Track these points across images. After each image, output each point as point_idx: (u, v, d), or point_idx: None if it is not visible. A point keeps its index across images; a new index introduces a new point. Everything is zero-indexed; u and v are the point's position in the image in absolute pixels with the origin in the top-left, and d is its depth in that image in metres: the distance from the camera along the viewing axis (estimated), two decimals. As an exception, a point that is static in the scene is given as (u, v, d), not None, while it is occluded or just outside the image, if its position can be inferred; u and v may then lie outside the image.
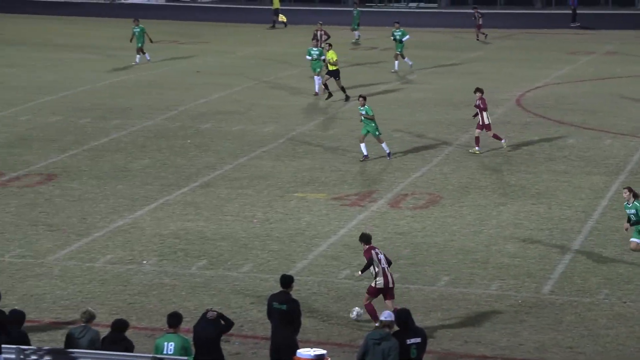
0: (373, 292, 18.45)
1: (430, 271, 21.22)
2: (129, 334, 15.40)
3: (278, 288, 16.52)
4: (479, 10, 55.71)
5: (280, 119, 34.83)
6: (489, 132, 30.15)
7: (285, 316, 16.09)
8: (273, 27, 60.12)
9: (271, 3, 61.99)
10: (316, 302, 19.57)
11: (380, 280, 18.32)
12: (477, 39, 55.03)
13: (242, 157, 29.90)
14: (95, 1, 76.73)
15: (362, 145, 29.33)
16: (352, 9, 57.71)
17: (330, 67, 37.70)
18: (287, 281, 16.44)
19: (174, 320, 15.33)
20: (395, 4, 74.99)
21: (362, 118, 29.41)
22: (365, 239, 18.74)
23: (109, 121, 34.37)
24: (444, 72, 45.13)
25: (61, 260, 21.55)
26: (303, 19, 61.33)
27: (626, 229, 21.46)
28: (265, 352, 16.68)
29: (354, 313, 18.61)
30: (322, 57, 38.84)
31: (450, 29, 60.44)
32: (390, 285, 18.43)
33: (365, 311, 18.49)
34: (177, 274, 20.89)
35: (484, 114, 29.98)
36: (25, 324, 15.70)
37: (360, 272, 18.77)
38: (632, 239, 21.30)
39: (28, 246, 22.30)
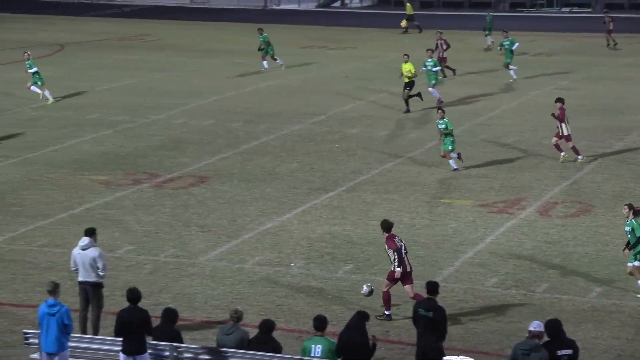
0: (392, 279, 18.78)
1: (582, 282, 20.90)
2: (276, 335, 15.66)
3: (425, 294, 16.56)
4: (609, 14, 53.66)
5: (426, 125, 34.79)
6: (568, 142, 29.48)
7: (431, 323, 16.09)
8: (406, 32, 60.13)
9: (405, 8, 62.02)
10: (462, 309, 19.51)
11: (399, 269, 18.65)
12: (607, 45, 53.40)
13: (388, 163, 30.00)
14: (249, 7, 78.02)
15: (451, 162, 28.78)
16: (497, 13, 56.84)
17: (406, 79, 37.08)
18: (433, 288, 16.45)
19: (320, 323, 15.50)
20: (547, 9, 73.83)
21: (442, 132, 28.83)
22: (386, 226, 19.06)
23: (258, 125, 34.93)
24: (596, 78, 44.34)
25: (212, 260, 22.02)
26: (452, 24, 61.12)
27: (625, 253, 20.22)
28: (411, 358, 16.72)
29: (365, 289, 18.71)
30: (436, 69, 38.58)
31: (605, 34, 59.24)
32: (409, 270, 18.76)
33: (371, 289, 18.70)
34: (324, 277, 21.10)
35: (563, 125, 29.34)
36: (179, 322, 16.13)
37: (395, 264, 18.67)
38: (628, 264, 20.14)
39: (181, 246, 22.86)
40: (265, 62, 46.09)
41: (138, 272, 21.26)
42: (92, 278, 17.89)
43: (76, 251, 18.01)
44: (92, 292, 17.93)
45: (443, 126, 28.86)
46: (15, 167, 29.29)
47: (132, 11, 76.60)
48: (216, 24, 68.33)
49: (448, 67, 43.95)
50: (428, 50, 39.84)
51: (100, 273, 17.91)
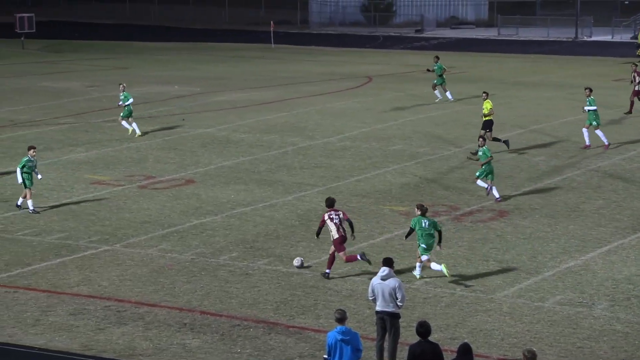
0: (338, 243, 22.40)
1: None
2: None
3: None
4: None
5: None
6: None
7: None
8: None
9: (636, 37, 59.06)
10: None
11: (336, 237, 22.43)
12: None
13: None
14: (559, 39, 76.81)
15: (494, 189, 29.12)
16: None
17: (485, 118, 35.24)
18: None
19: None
20: None
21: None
22: (328, 202, 22.86)
23: (562, 159, 34.08)
24: None
25: (510, 297, 21.56)
26: None
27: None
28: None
29: (297, 262, 22.85)
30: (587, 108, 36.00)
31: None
32: (343, 236, 22.42)
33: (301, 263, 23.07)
34: (630, 322, 20.17)
35: None
36: (474, 359, 15.81)
37: (332, 233, 22.46)
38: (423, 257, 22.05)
39: (479, 281, 22.54)
40: (437, 92, 46.60)
41: (435, 304, 21.12)
42: (390, 308, 17.93)
43: (376, 281, 18.11)
44: (389, 322, 17.97)
45: (480, 153, 29.53)
46: (321, 196, 29.94)
47: (439, 44, 77.19)
48: (524, 56, 67.72)
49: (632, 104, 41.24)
50: (586, 89, 36.76)
51: (399, 303, 17.93)
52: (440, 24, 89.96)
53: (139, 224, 26.95)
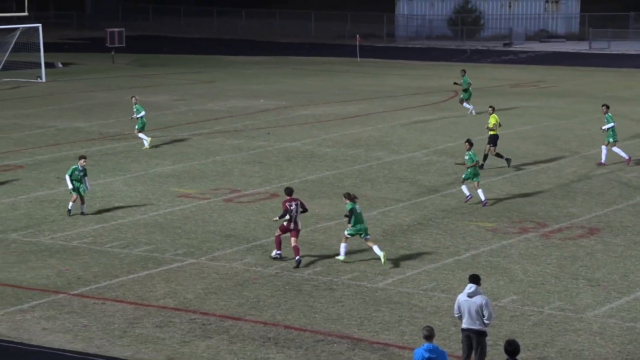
0: (282, 230, 24.66)
1: None
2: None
3: None
4: None
5: None
6: None
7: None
8: None
9: None
10: None
11: (290, 224, 24.53)
12: None
13: None
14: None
15: (480, 192, 29.88)
16: None
17: (490, 132, 34.69)
18: None
19: None
20: None
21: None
22: (288, 192, 25.02)
23: (655, 176, 33.45)
24: None
25: (601, 316, 21.07)
26: None
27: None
28: None
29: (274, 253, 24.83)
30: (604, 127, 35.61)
31: None
32: (296, 228, 24.58)
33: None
34: None
35: None
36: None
37: (277, 218, 24.93)
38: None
39: (568, 299, 22.08)
40: (466, 105, 47.04)
41: (522, 323, 20.74)
42: (476, 326, 17.62)
43: (462, 297, 17.83)
44: (476, 340, 17.66)
45: (467, 157, 30.13)
46: (406, 210, 29.74)
47: (528, 57, 76.46)
48: (616, 70, 66.65)
49: None
50: (603, 105, 36.43)
51: (486, 321, 17.61)
52: (529, 38, 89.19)
53: (224, 237, 26.99)
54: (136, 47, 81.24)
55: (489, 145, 35.15)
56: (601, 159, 35.50)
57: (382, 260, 24.18)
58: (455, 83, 49.09)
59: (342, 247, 24.81)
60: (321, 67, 70.98)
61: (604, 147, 35.66)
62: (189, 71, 69.00)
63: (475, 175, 30.08)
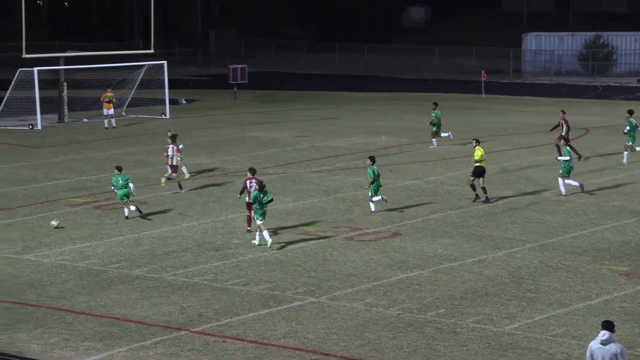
0: (248, 206, 30.30)
1: None
2: None
3: None
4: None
5: None
6: None
7: None
8: None
9: None
10: None
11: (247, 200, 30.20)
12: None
13: None
14: None
15: (372, 205, 33.77)
16: None
17: (476, 164, 34.57)
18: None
19: None
20: None
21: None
22: (251, 171, 30.75)
23: None
24: None
25: None
26: None
27: None
28: None
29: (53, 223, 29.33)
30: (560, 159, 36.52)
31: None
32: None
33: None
34: None
35: None
36: None
37: (239, 195, 31.06)
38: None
39: None
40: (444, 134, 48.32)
41: (659, 373, 19.73)
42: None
43: (594, 345, 16.97)
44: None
45: (370, 172, 33.60)
46: (533, 252, 28.84)
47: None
48: None
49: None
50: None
51: (620, 371, 16.75)
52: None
53: (344, 276, 26.52)
54: (258, 83, 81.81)
55: (472, 177, 35.43)
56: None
57: (269, 244, 29.08)
58: (431, 124, 49.14)
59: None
60: (444, 103, 70.12)
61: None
62: (311, 107, 69.05)
63: (377, 188, 33.67)
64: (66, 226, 32.27)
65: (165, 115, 62.45)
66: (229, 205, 35.36)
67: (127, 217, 33.07)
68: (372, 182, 33.57)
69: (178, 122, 59.36)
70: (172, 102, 65.02)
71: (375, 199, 33.70)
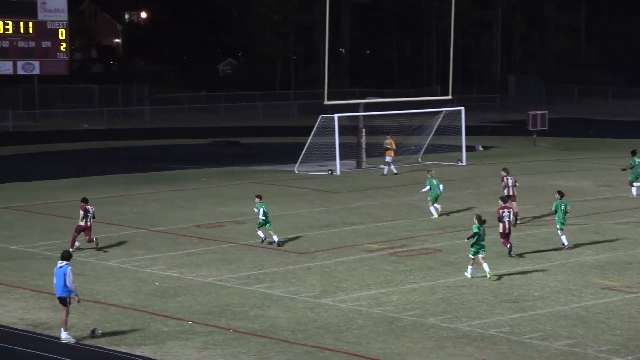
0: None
1: None
2: None
3: None
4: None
5: None
6: None
7: None
8: None
9: None
10: None
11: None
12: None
13: None
14: None
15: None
16: None
17: None
18: None
19: None
20: None
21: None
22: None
23: None
24: None
25: None
26: None
27: None
28: None
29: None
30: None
31: None
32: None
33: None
34: None
35: None
36: None
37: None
38: None
39: None
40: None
41: None
42: None
43: None
44: None
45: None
46: None
47: None
48: None
49: None
50: None
51: None
52: None
53: (652, 336, 24.80)
54: (559, 130, 79.80)
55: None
56: None
57: (488, 275, 29.96)
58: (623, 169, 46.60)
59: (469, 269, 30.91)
60: None
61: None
62: (616, 155, 66.44)
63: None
64: (362, 272, 32.17)
65: (461, 162, 61.86)
66: (526, 257, 34.18)
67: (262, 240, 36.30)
68: None
69: (474, 170, 58.65)
70: (468, 148, 64.38)
71: None
